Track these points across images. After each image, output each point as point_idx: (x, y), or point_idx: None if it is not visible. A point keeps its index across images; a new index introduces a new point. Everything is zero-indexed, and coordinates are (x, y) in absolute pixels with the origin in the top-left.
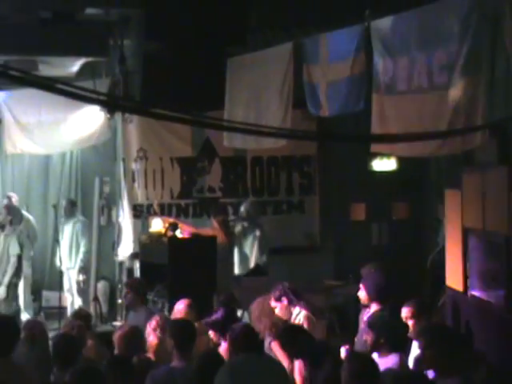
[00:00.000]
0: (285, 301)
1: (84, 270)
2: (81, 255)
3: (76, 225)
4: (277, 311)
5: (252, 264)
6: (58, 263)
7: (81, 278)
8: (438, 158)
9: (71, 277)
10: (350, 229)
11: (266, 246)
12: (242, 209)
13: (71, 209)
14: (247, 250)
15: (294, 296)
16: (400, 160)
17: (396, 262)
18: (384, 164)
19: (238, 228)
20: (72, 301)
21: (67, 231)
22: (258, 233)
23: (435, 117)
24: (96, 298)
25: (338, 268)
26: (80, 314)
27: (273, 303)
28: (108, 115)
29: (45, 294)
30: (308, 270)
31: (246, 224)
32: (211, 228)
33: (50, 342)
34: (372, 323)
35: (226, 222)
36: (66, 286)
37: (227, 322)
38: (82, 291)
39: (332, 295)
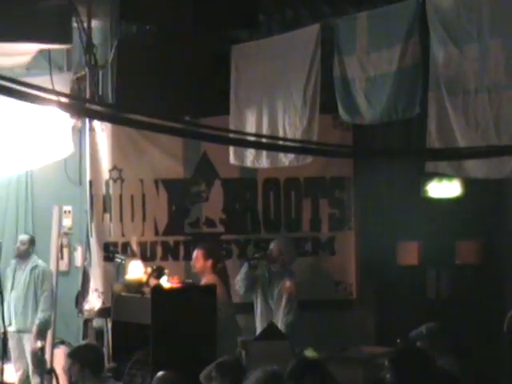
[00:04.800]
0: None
1: (44, 334)
2: (40, 314)
3: (34, 272)
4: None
5: (279, 323)
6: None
7: (39, 344)
8: None
9: (25, 342)
10: (398, 277)
11: (295, 300)
12: (272, 246)
13: (29, 249)
14: (272, 303)
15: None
16: (467, 183)
17: (461, 322)
18: (444, 189)
19: (261, 272)
20: (23, 373)
21: (20, 280)
22: (287, 283)
23: None
24: (52, 371)
25: (381, 330)
26: None
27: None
28: (73, 123)
29: None
30: (340, 332)
31: (274, 268)
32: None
33: None
34: None
35: (226, 272)
36: (13, 354)
37: None
38: (41, 362)
39: (373, 368)
